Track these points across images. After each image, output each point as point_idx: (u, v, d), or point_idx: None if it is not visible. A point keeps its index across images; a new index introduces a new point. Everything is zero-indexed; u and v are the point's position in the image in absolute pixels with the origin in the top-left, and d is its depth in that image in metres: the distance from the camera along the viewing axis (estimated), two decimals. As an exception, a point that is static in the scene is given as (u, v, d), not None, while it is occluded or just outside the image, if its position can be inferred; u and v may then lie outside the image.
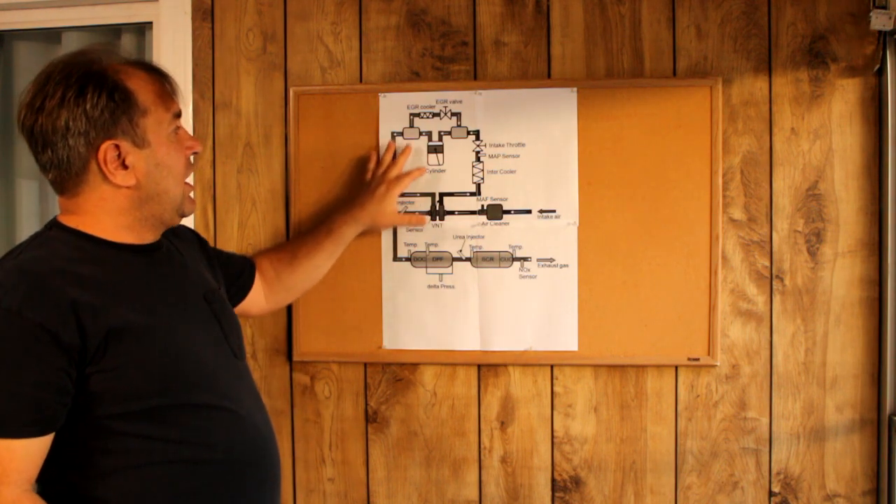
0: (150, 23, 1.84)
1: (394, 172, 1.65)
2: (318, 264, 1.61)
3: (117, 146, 1.13)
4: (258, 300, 1.60)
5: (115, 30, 1.91)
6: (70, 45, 1.90)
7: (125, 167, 1.14)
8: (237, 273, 1.55)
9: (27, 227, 1.98)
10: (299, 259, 1.60)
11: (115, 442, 1.10)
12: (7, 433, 1.03)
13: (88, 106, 1.11)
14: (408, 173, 1.66)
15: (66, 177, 1.15)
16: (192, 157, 1.25)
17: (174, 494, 1.13)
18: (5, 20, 1.89)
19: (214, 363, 1.21)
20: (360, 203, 1.62)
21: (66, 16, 1.87)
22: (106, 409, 1.08)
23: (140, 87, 1.15)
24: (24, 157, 1.98)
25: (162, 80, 1.20)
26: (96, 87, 1.11)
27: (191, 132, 1.78)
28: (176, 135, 1.20)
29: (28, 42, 1.96)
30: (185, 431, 1.13)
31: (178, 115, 1.21)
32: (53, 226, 1.19)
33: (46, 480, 1.11)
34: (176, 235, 1.37)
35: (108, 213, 1.17)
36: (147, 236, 1.22)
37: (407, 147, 1.68)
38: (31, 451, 1.04)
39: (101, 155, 1.12)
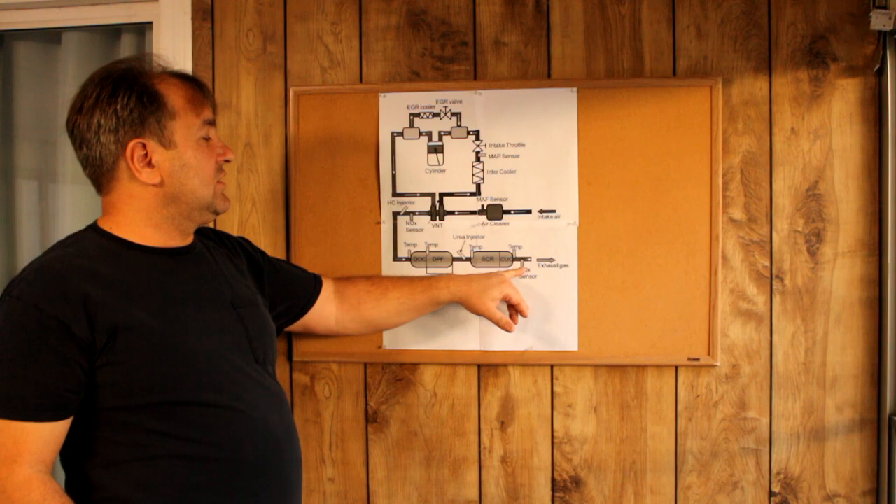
0: (150, 23, 1.84)
1: (514, 277, 1.65)
2: (402, 311, 1.61)
3: (144, 145, 1.21)
4: (326, 320, 1.60)
5: (115, 30, 1.91)
6: (70, 44, 1.91)
7: (151, 166, 1.22)
8: (292, 290, 1.56)
9: (27, 226, 1.99)
10: (388, 298, 1.60)
11: (122, 433, 1.15)
12: (20, 416, 1.10)
13: (119, 106, 1.20)
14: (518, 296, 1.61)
15: (99, 174, 1.24)
16: (223, 164, 1.32)
17: (177, 489, 1.16)
18: (5, 20, 1.89)
19: (230, 365, 1.24)
20: (470, 279, 1.60)
21: (66, 16, 1.87)
22: (113, 401, 1.14)
23: (171, 93, 1.23)
24: (24, 157, 1.99)
25: (195, 88, 1.27)
26: (127, 89, 1.20)
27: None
28: (208, 141, 1.27)
29: (28, 42, 1.96)
30: (190, 428, 1.17)
31: (210, 122, 1.28)
32: (90, 227, 1.27)
33: (64, 467, 1.19)
34: (222, 242, 1.44)
35: (138, 211, 1.24)
36: (175, 237, 1.28)
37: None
38: (43, 436, 1.11)
39: (128, 152, 1.21)
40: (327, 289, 1.60)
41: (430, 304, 1.62)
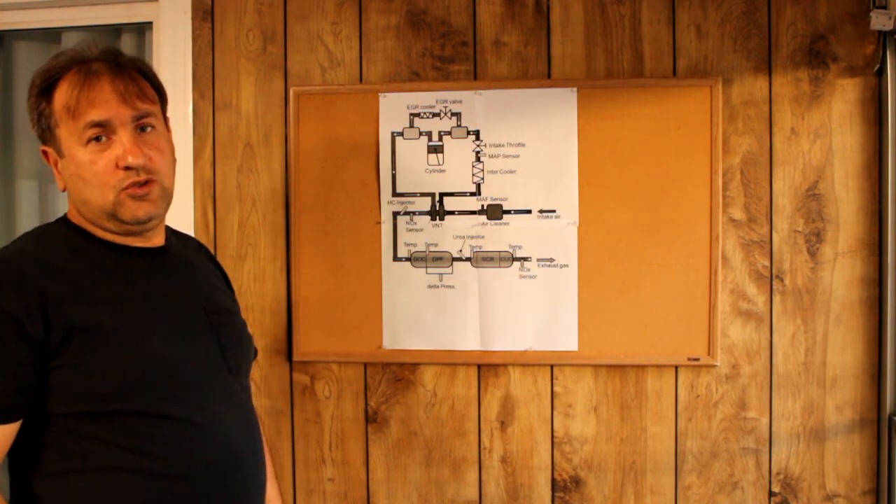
0: (150, 23, 1.84)
1: None
2: None
3: (46, 153, 1.15)
4: None
5: (115, 30, 1.91)
6: (70, 44, 1.90)
7: (59, 172, 1.16)
8: None
9: (27, 227, 1.97)
10: None
11: (71, 442, 1.07)
12: None
13: (30, 108, 1.15)
14: None
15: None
16: (131, 168, 1.12)
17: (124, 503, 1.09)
18: (5, 20, 1.89)
19: (196, 375, 1.15)
20: None
21: (66, 16, 1.87)
22: (64, 406, 1.06)
23: (60, 95, 1.11)
24: (24, 157, 1.99)
25: (82, 86, 1.11)
26: (35, 91, 1.13)
27: (190, 132, 1.78)
28: (101, 142, 1.11)
29: (28, 42, 1.96)
30: (145, 441, 1.08)
31: (99, 123, 1.11)
32: (59, 220, 1.20)
33: (10, 473, 1.10)
34: (197, 253, 1.35)
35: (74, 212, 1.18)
36: (127, 238, 1.18)
37: None
38: None
39: (44, 158, 1.16)
40: None
41: None
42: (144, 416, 1.09)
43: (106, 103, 1.11)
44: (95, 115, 1.10)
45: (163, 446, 1.09)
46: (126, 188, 1.12)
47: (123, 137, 1.11)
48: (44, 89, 1.12)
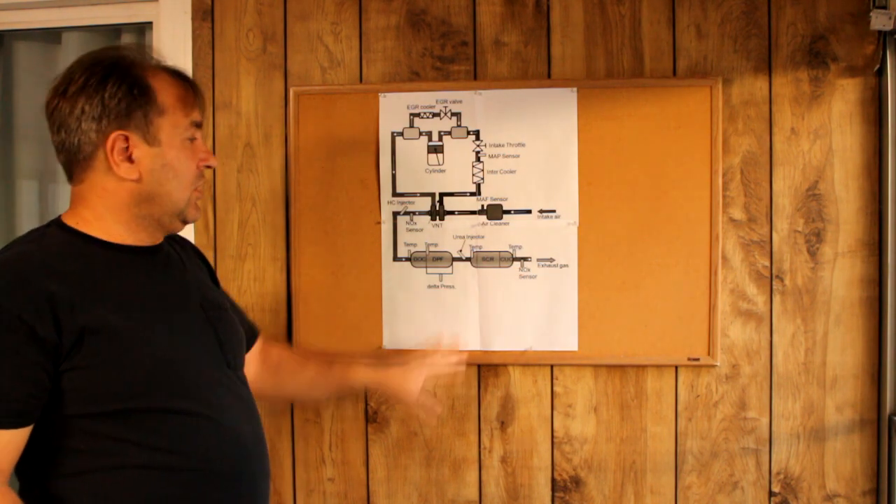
0: (150, 23, 1.84)
1: (438, 360, 1.50)
2: (316, 387, 1.52)
3: (126, 137, 1.14)
4: (248, 372, 1.44)
5: (115, 30, 1.91)
6: (70, 44, 1.91)
7: (131, 161, 1.15)
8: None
9: (27, 227, 1.97)
10: (306, 371, 1.50)
11: (87, 442, 1.08)
12: None
13: (107, 94, 1.13)
14: (444, 372, 1.49)
15: (74, 161, 1.17)
16: (203, 171, 1.24)
17: (143, 501, 1.10)
18: (5, 20, 1.89)
19: (200, 370, 1.18)
20: (387, 374, 1.48)
21: (66, 16, 1.87)
22: (78, 407, 1.07)
23: (162, 88, 1.17)
24: (24, 157, 1.99)
25: (187, 87, 1.21)
26: (118, 78, 1.14)
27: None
28: (192, 143, 1.20)
29: (28, 42, 1.96)
30: (160, 437, 1.11)
31: (198, 124, 1.21)
32: (53, 223, 1.20)
33: (20, 477, 1.11)
34: (183, 249, 1.36)
35: (108, 207, 1.17)
36: (143, 237, 1.21)
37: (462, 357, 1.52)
38: (1, 443, 1.03)
39: (109, 143, 1.13)
40: (257, 345, 1.49)
41: (346, 388, 1.56)
42: (157, 412, 1.11)
43: (200, 107, 1.22)
44: (197, 115, 1.21)
45: (177, 441, 1.12)
46: (196, 189, 1.21)
47: (200, 140, 1.22)
48: (133, 77, 1.15)
